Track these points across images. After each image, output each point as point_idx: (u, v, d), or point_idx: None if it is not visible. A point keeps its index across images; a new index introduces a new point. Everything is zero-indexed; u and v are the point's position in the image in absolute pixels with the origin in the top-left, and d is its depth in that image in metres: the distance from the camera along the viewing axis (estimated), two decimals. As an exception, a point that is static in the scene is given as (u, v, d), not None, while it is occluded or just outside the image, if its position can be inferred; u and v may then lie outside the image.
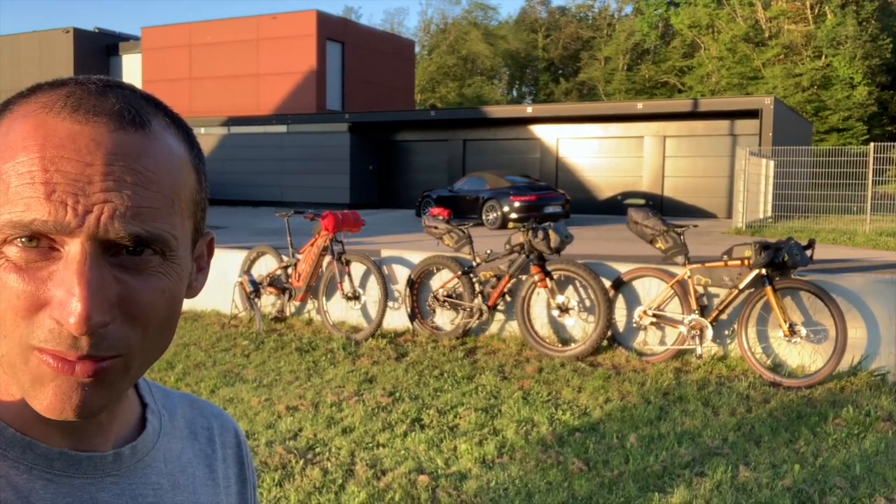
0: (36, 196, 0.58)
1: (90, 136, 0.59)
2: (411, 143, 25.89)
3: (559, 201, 17.81)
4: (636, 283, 7.04)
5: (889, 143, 16.83)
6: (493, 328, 7.59)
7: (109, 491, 0.69)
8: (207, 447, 0.83)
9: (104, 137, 0.60)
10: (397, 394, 5.76)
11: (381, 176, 26.10)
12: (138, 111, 0.62)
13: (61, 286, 0.58)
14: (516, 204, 17.09)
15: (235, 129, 26.84)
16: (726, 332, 6.77)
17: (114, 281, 0.60)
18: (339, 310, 8.08)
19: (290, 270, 8.25)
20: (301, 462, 4.40)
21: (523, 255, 7.12)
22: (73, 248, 0.58)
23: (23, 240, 0.58)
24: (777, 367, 6.43)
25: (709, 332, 6.55)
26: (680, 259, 6.72)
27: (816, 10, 45.56)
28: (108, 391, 0.62)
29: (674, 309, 6.80)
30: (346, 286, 7.73)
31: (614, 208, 21.72)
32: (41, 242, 0.59)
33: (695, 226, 7.66)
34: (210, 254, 0.74)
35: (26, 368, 0.60)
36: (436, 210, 8.43)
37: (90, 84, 0.63)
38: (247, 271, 8.57)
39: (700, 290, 6.73)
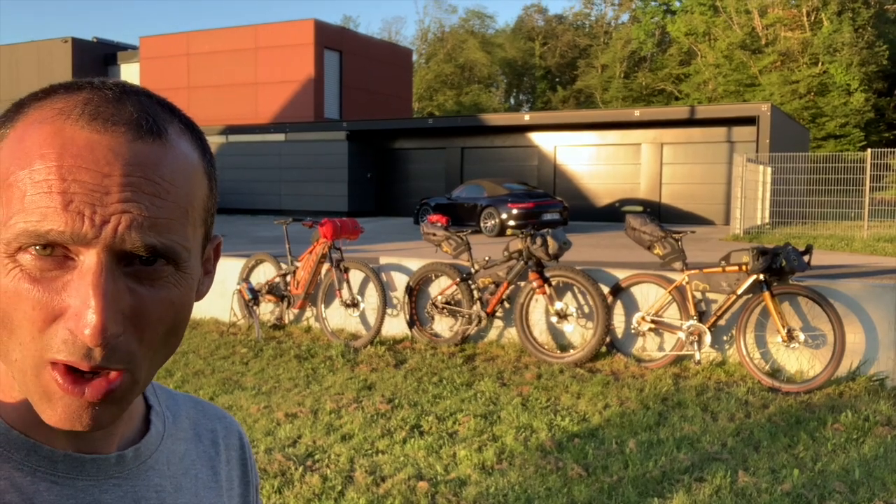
0: (52, 206, 0.57)
1: (108, 146, 0.59)
2: (409, 151, 25.91)
3: (557, 208, 17.82)
4: (634, 290, 7.05)
5: (886, 150, 16.85)
6: (492, 335, 7.59)
7: (112, 493, 0.69)
8: (211, 449, 0.83)
9: (122, 148, 0.59)
10: (396, 400, 5.76)
11: (380, 184, 26.11)
12: (155, 120, 0.62)
13: (77, 297, 0.58)
14: (514, 211, 17.10)
15: (234, 138, 26.85)
16: (725, 338, 6.77)
17: (127, 291, 0.60)
18: (337, 317, 8.08)
19: (288, 278, 8.26)
20: (300, 469, 4.40)
21: (521, 262, 7.13)
22: (89, 259, 0.58)
23: (37, 248, 0.58)
24: (775, 372, 6.44)
25: (707, 338, 6.55)
26: (678, 265, 6.73)
27: (813, 18, 45.69)
28: (118, 405, 0.62)
29: (672, 315, 6.80)
30: (345, 293, 7.73)
31: (612, 215, 21.74)
32: (55, 251, 0.59)
33: (692, 231, 7.67)
34: (216, 257, 0.74)
35: (37, 382, 0.60)
36: (434, 217, 8.44)
37: (107, 90, 0.63)
38: (245, 279, 8.57)
39: (698, 295, 6.74)
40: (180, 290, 0.64)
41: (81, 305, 0.58)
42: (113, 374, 0.60)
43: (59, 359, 0.59)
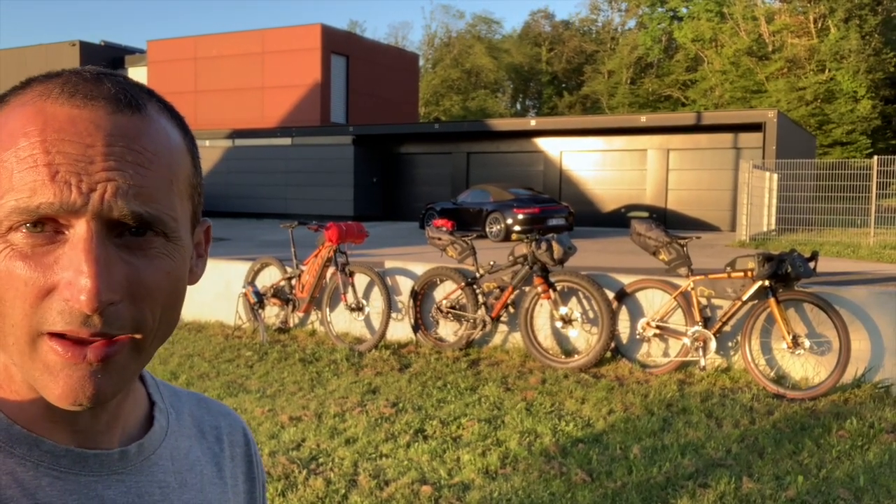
0: (40, 179, 0.58)
1: (89, 118, 0.61)
2: (415, 156, 25.93)
3: (563, 214, 17.81)
4: (639, 295, 7.04)
5: (893, 157, 16.79)
6: (497, 339, 7.58)
7: (115, 489, 0.69)
8: (215, 445, 0.83)
9: (103, 120, 0.61)
10: (400, 404, 5.76)
11: (385, 188, 26.13)
12: (133, 95, 0.64)
13: (69, 267, 0.59)
14: (520, 216, 17.10)
15: (240, 142, 26.92)
16: (730, 344, 6.76)
17: (120, 261, 0.60)
18: (342, 321, 8.08)
19: (293, 281, 8.27)
20: (304, 472, 4.40)
21: (527, 267, 7.12)
22: (80, 229, 0.59)
23: (28, 225, 0.59)
24: (780, 378, 6.43)
25: (712, 344, 6.54)
26: (683, 270, 6.72)
27: (819, 24, 45.64)
28: (120, 375, 0.62)
29: (677, 320, 6.79)
30: (350, 297, 7.74)
31: (618, 221, 21.71)
32: (46, 227, 0.59)
33: (698, 237, 7.66)
34: (208, 241, 0.75)
35: (36, 357, 0.60)
36: (439, 222, 8.44)
37: (84, 72, 0.65)
38: (251, 282, 8.58)
39: (703, 301, 6.73)
40: (174, 261, 0.64)
41: (75, 274, 0.58)
42: (115, 337, 0.60)
43: (56, 329, 0.59)
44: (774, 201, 18.10)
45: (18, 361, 0.62)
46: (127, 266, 0.61)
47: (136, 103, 0.63)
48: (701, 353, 6.58)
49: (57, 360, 0.60)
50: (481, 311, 7.37)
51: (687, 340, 6.62)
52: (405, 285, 7.99)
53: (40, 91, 0.63)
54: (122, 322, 0.60)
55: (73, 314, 0.59)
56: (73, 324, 0.59)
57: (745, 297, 6.41)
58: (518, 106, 69.77)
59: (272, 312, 8.55)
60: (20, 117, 0.61)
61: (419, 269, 8.00)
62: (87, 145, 0.60)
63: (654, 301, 6.97)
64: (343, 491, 4.18)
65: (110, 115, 0.61)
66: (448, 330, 7.72)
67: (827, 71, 44.15)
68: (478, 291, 7.45)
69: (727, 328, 6.67)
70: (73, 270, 0.58)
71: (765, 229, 17.76)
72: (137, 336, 0.62)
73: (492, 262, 7.59)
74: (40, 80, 0.64)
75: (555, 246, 6.90)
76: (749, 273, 6.39)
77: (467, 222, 17.73)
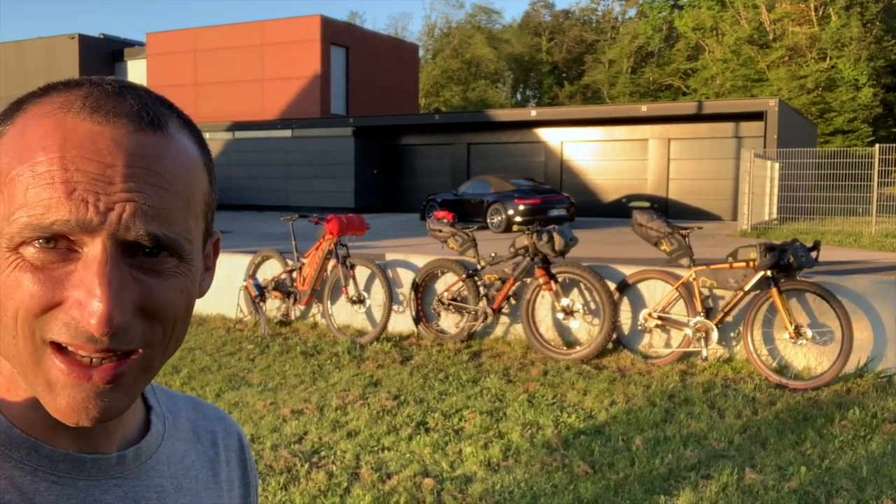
0: (56, 196, 0.57)
1: (111, 136, 0.59)
2: (416, 147, 25.89)
3: (564, 204, 17.78)
4: (641, 286, 7.03)
5: (894, 145, 16.74)
6: (498, 331, 7.58)
7: (113, 494, 0.69)
8: (211, 450, 0.83)
9: (124, 138, 0.60)
10: (402, 397, 5.76)
11: (386, 180, 26.11)
12: (156, 113, 0.63)
13: (80, 287, 0.58)
14: (521, 207, 17.07)
15: (240, 134, 26.88)
16: (732, 335, 6.75)
17: (133, 281, 0.60)
18: (343, 313, 8.08)
19: (294, 274, 8.27)
20: (306, 465, 4.41)
21: (528, 258, 7.11)
22: (94, 249, 0.58)
23: (40, 241, 0.58)
24: (783, 369, 6.42)
25: (714, 335, 6.53)
26: (685, 261, 6.71)
27: (821, 12, 45.48)
28: (126, 394, 0.61)
29: (679, 311, 6.79)
30: (351, 290, 7.73)
31: (619, 211, 21.68)
32: (59, 244, 0.58)
33: (699, 228, 7.64)
34: (216, 253, 0.74)
35: (39, 371, 0.59)
36: (440, 213, 8.42)
37: (106, 85, 0.63)
38: (252, 275, 8.58)
39: (705, 292, 6.72)
40: (186, 280, 0.64)
41: (86, 295, 0.57)
42: (122, 356, 0.60)
43: (59, 340, 0.58)
44: (776, 190, 18.07)
45: (21, 372, 0.61)
46: (139, 286, 0.60)
47: (158, 121, 0.62)
48: (703, 343, 6.57)
49: (60, 378, 0.59)
50: (483, 303, 7.36)
51: (689, 331, 6.62)
52: (406, 277, 7.99)
53: (61, 103, 0.61)
54: (129, 337, 0.60)
55: (80, 330, 0.58)
56: (79, 339, 0.58)
57: (747, 288, 6.40)
58: (518, 96, 69.64)
59: (273, 305, 8.55)
60: (39, 129, 0.60)
61: (420, 261, 8.00)
62: (107, 165, 0.59)
63: (655, 292, 6.96)
64: (345, 484, 4.19)
65: (132, 134, 0.60)
66: (449, 322, 7.72)
67: (828, 59, 44.00)
68: (479, 283, 7.45)
69: (729, 318, 6.66)
70: (85, 291, 0.58)
71: (766, 219, 17.74)
72: (144, 354, 0.61)
73: (493, 254, 7.58)
74: (60, 90, 0.63)
75: (556, 237, 6.88)
76: (751, 263, 6.38)
77: (468, 213, 17.71)
